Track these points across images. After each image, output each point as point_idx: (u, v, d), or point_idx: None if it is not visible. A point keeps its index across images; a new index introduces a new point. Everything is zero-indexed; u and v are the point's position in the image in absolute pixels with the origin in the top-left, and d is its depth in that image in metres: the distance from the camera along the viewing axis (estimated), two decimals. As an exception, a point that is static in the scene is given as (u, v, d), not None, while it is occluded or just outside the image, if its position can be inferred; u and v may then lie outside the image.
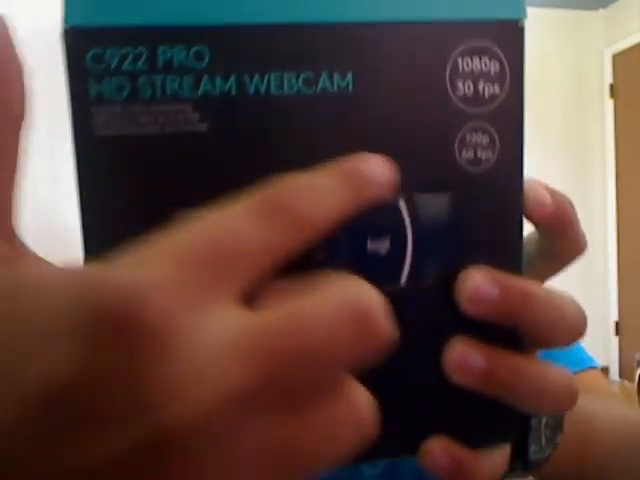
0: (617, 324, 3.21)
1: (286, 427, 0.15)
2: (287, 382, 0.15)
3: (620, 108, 3.04)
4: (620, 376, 3.15)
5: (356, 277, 0.17)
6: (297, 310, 0.15)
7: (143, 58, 0.19)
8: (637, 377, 2.47)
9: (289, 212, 0.16)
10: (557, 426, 0.32)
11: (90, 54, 0.19)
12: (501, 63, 0.21)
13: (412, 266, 0.21)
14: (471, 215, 0.21)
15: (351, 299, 0.16)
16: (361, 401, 0.16)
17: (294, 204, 0.16)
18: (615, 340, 3.22)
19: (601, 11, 3.09)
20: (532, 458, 0.30)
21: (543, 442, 0.31)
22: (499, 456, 0.23)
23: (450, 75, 0.21)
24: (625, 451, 0.35)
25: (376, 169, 0.18)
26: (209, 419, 0.14)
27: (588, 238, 0.24)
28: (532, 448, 0.30)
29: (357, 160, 0.18)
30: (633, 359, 2.66)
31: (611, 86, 3.07)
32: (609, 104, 3.08)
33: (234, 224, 0.16)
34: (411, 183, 0.21)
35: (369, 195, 0.18)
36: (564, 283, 0.30)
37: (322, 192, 0.17)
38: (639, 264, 2.98)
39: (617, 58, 3.04)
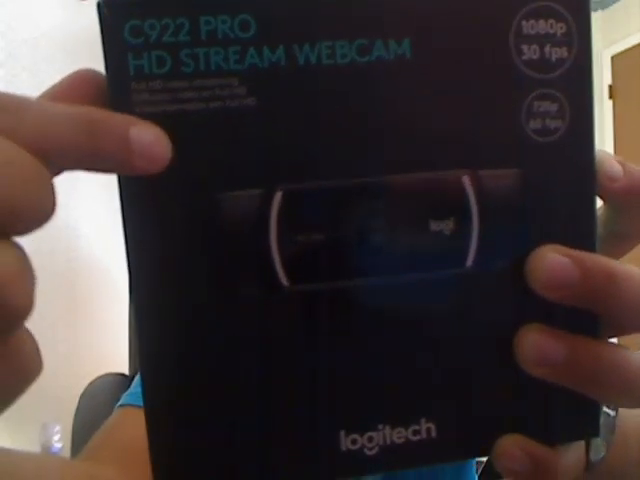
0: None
1: None
2: None
3: (619, 109, 3.04)
4: (619, 376, 3.14)
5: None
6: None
7: (185, 30, 0.18)
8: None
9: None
10: (612, 426, 0.30)
11: (128, 27, 0.18)
12: (568, 25, 0.19)
13: (479, 247, 0.20)
14: (541, 190, 0.20)
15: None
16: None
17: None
18: (615, 340, 3.21)
19: (600, 12, 3.09)
20: (592, 459, 0.28)
21: (599, 443, 0.29)
22: (576, 453, 0.21)
23: (514, 39, 0.19)
24: None
25: (142, 135, 0.17)
26: None
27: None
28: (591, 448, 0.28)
29: (128, 119, 0.17)
30: (632, 359, 2.66)
31: (610, 87, 3.07)
32: (608, 105, 3.07)
33: None
34: (475, 157, 0.19)
35: (104, 148, 0.16)
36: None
37: (56, 119, 0.16)
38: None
39: (616, 59, 3.04)
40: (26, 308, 0.15)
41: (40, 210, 0.16)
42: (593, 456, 0.28)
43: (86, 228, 1.92)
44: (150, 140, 0.17)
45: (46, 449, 1.56)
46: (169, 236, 0.19)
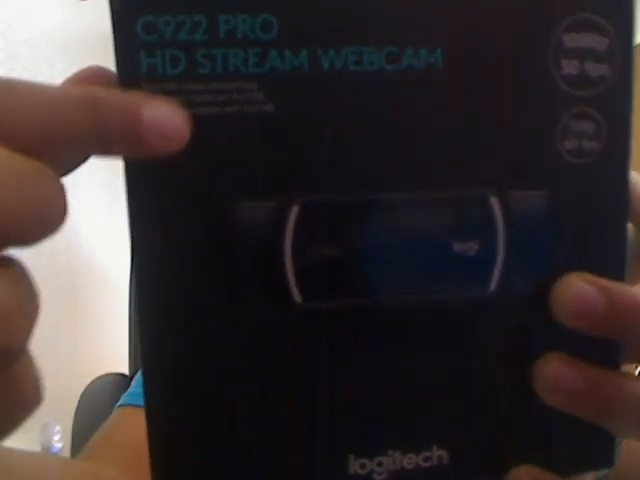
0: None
1: None
2: None
3: (619, 109, 3.04)
4: (619, 377, 3.14)
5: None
6: None
7: (202, 28, 0.17)
8: (636, 377, 2.45)
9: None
10: (619, 442, 0.30)
11: (141, 22, 0.17)
12: (610, 40, 0.18)
13: (503, 271, 0.19)
14: (571, 214, 0.19)
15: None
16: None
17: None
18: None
19: (600, 12, 3.09)
20: (598, 475, 0.28)
21: None
22: (587, 477, 0.21)
23: (554, 52, 0.18)
24: None
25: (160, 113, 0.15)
26: None
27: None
28: None
29: (140, 97, 0.15)
30: (632, 360, 2.65)
31: (610, 87, 3.07)
32: (608, 105, 3.08)
33: None
34: (504, 176, 0.19)
35: (112, 126, 0.15)
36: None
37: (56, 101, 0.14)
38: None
39: (616, 59, 3.04)
40: (21, 343, 0.14)
41: (44, 215, 0.14)
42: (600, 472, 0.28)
43: (86, 228, 1.92)
44: (164, 113, 0.15)
45: (46, 449, 1.56)
46: (181, 245, 0.18)
